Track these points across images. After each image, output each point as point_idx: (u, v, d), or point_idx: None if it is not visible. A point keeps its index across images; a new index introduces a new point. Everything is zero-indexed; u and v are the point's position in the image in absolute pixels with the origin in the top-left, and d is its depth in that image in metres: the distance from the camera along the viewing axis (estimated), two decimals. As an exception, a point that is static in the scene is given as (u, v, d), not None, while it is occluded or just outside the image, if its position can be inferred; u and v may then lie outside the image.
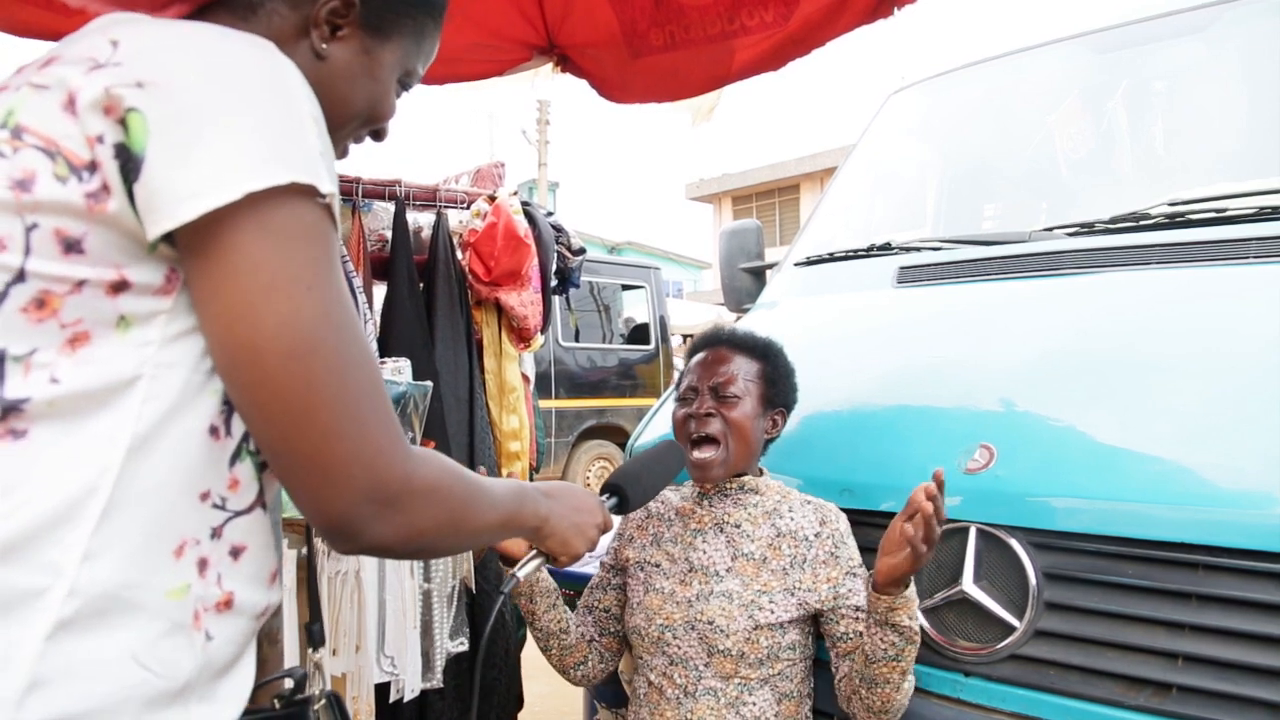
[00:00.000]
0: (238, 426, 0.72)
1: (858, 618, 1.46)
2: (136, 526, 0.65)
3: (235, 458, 0.72)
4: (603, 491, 1.31)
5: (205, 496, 0.70)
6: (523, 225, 2.59)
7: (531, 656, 2.89)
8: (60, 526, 0.62)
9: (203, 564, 0.70)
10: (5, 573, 0.61)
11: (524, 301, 2.61)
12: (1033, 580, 1.38)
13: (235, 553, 0.73)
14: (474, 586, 2.45)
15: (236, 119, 0.65)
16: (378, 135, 0.93)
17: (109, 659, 0.63)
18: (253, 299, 0.65)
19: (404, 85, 0.91)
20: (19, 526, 0.61)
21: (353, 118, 0.87)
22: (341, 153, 0.91)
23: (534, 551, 1.17)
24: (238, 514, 0.73)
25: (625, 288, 9.42)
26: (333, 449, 0.67)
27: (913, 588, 1.32)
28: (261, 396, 0.66)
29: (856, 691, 1.39)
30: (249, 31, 0.73)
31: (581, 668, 1.62)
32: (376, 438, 0.70)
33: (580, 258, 2.89)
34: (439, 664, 2.31)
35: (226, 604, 0.71)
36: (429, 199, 2.64)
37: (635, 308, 9.64)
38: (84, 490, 0.63)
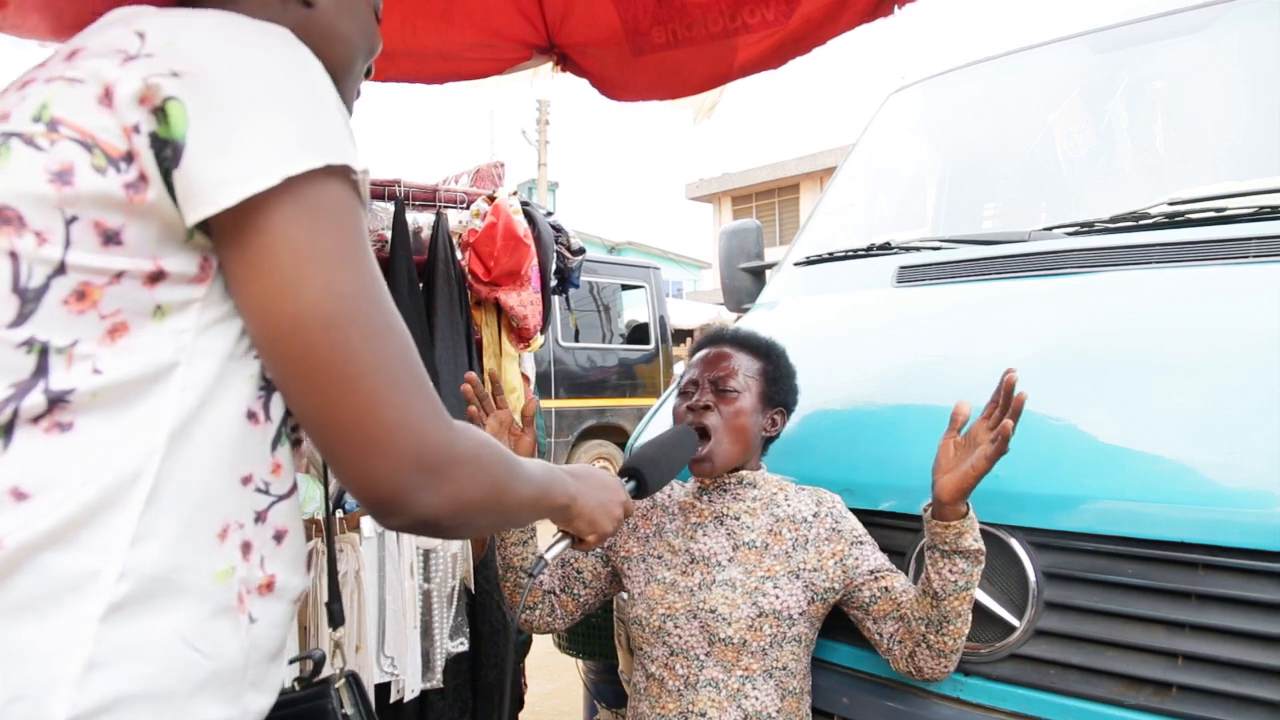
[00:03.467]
0: (276, 410, 0.73)
1: (877, 579, 1.48)
2: (181, 510, 0.67)
3: (276, 442, 0.74)
4: (620, 475, 1.31)
5: (247, 481, 0.72)
6: (522, 225, 2.59)
7: (532, 656, 2.89)
8: (108, 511, 0.64)
9: (246, 547, 0.71)
10: (60, 557, 0.62)
11: (524, 301, 2.62)
12: (1032, 580, 1.38)
13: (279, 536, 0.74)
14: (473, 587, 2.45)
15: (270, 106, 0.67)
16: (366, 72, 0.95)
17: (160, 640, 0.65)
18: (291, 274, 0.67)
19: (376, 14, 0.93)
20: (70, 512, 0.63)
21: (356, 54, 0.88)
22: (356, 95, 0.93)
23: (561, 533, 1.17)
24: (280, 498, 0.74)
25: (625, 287, 9.43)
26: (378, 417, 0.69)
27: (972, 510, 1.34)
28: (304, 369, 0.68)
29: (922, 641, 1.38)
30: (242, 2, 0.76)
31: (529, 612, 1.62)
32: (419, 405, 0.71)
33: (580, 257, 2.90)
34: (439, 664, 2.31)
35: (268, 586, 0.73)
36: (428, 199, 2.64)
37: (635, 308, 9.65)
38: (130, 475, 0.65)
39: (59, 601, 0.62)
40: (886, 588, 1.47)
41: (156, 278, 0.67)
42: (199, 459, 0.68)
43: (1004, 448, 1.28)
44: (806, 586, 1.48)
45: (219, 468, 0.69)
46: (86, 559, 0.63)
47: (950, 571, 1.33)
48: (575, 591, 1.64)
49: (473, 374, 1.50)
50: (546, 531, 1.24)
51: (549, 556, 1.19)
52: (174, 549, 0.66)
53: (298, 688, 1.09)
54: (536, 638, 2.72)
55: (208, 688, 0.67)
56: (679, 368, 9.65)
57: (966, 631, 1.36)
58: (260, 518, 0.73)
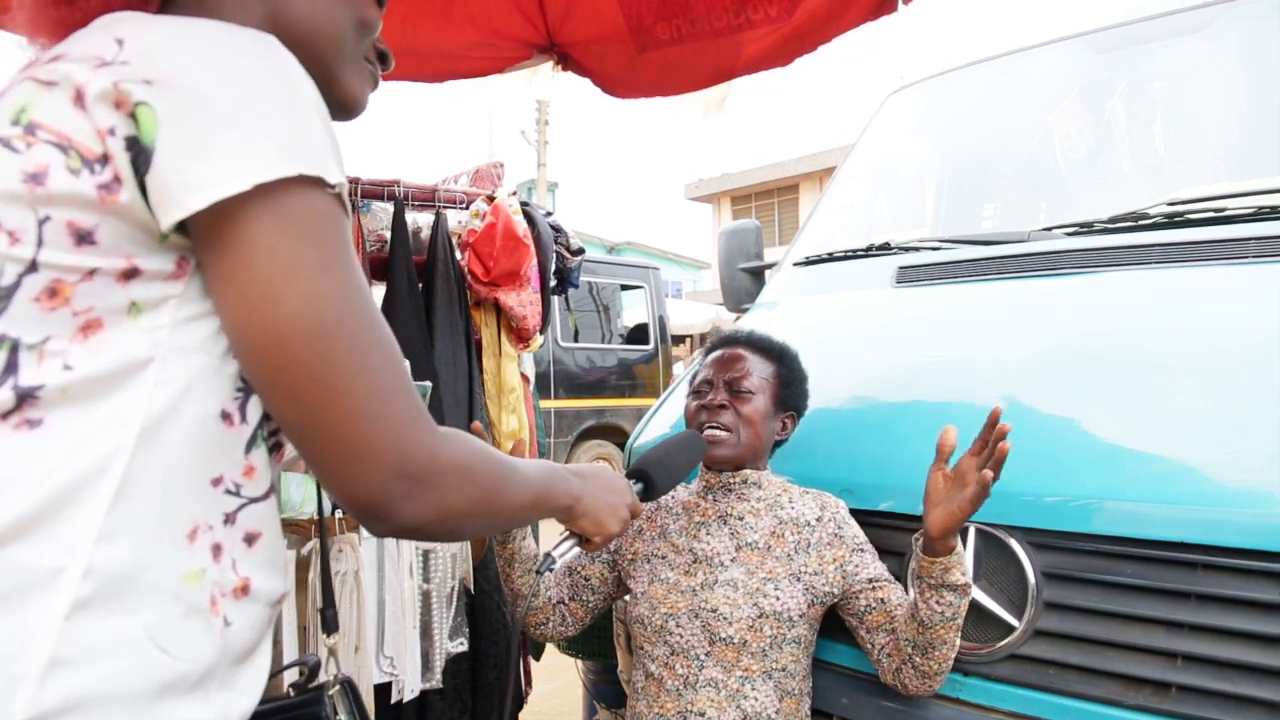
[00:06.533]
0: (253, 413, 0.73)
1: (875, 588, 1.48)
2: (150, 509, 0.66)
3: (251, 444, 0.73)
4: (629, 477, 1.31)
5: (217, 482, 0.71)
6: (522, 225, 2.59)
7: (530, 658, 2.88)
8: (72, 505, 0.63)
9: (217, 549, 0.70)
10: (22, 552, 0.62)
11: (523, 301, 2.61)
12: (1032, 580, 1.38)
13: (250, 539, 0.73)
14: (473, 587, 2.45)
15: (245, 113, 0.66)
16: (384, 59, 0.91)
17: (127, 640, 0.64)
18: (272, 283, 0.66)
19: None
20: (31, 506, 0.62)
21: (342, 31, 0.84)
22: (373, 84, 0.89)
23: (567, 533, 1.17)
24: (253, 501, 0.74)
25: (624, 288, 9.42)
26: (360, 427, 0.68)
27: (960, 544, 1.35)
28: (286, 379, 0.67)
29: (908, 660, 1.39)
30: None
31: (541, 627, 1.65)
32: (402, 414, 0.70)
33: (579, 258, 2.89)
34: (438, 664, 2.31)
35: (243, 590, 0.72)
36: (428, 199, 2.64)
37: (634, 308, 9.64)
38: (95, 470, 0.64)
39: (21, 597, 0.61)
40: (883, 599, 1.47)
41: (130, 275, 0.66)
42: (169, 457, 0.67)
43: (986, 494, 1.28)
44: (807, 589, 1.48)
45: (189, 467, 0.68)
46: (49, 555, 0.62)
47: (937, 603, 1.34)
48: (584, 599, 1.65)
49: (478, 424, 1.51)
50: (551, 533, 1.23)
51: (556, 554, 1.18)
52: (142, 548, 0.65)
53: (292, 693, 1.09)
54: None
55: (175, 689, 0.66)
56: (679, 368, 9.65)
57: (953, 656, 1.37)
58: (229, 520, 0.72)
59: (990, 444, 1.29)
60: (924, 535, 1.36)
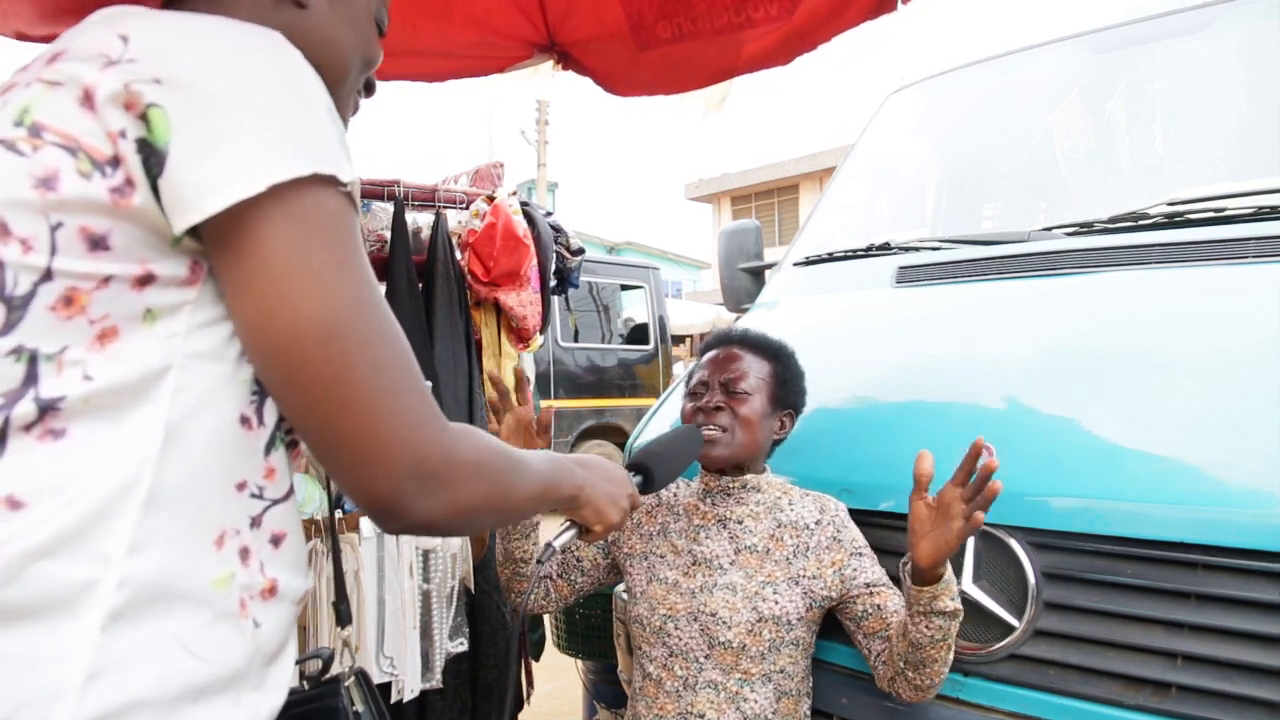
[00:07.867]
0: (270, 416, 0.73)
1: (871, 593, 1.48)
2: (178, 517, 0.66)
3: (270, 446, 0.73)
4: (627, 470, 1.31)
5: (242, 486, 0.71)
6: (522, 225, 2.59)
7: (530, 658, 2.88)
8: (107, 519, 0.63)
9: (244, 553, 0.71)
10: (58, 567, 0.62)
11: (523, 301, 2.61)
12: (1032, 580, 1.38)
13: (276, 540, 0.74)
14: (473, 587, 2.45)
15: (257, 113, 0.65)
16: (369, 87, 0.93)
17: (160, 648, 0.64)
18: (287, 284, 0.66)
19: (379, 26, 0.90)
20: (68, 521, 0.62)
21: (350, 64, 0.86)
22: (354, 109, 0.91)
23: (568, 522, 1.17)
24: (275, 502, 0.74)
25: (624, 288, 9.42)
26: (374, 428, 0.68)
27: (950, 569, 1.33)
28: (301, 381, 0.67)
29: (901, 674, 1.39)
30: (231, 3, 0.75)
31: (523, 596, 1.63)
32: (416, 414, 0.71)
33: (579, 258, 2.89)
34: (438, 664, 2.31)
35: (271, 591, 0.72)
36: (428, 199, 2.64)
37: (634, 308, 9.64)
38: (126, 482, 0.64)
39: (59, 610, 0.61)
40: (879, 605, 1.47)
41: (145, 281, 0.66)
42: (192, 465, 0.67)
43: (975, 531, 1.27)
44: (805, 593, 1.48)
45: (213, 474, 0.68)
46: (85, 567, 0.62)
47: (927, 627, 1.33)
48: (572, 578, 1.66)
49: (494, 370, 1.51)
50: (551, 527, 1.24)
51: (557, 544, 1.18)
52: (171, 556, 0.65)
53: (307, 687, 1.09)
54: (547, 639, 2.72)
55: (209, 693, 0.67)
56: (679, 368, 9.65)
57: (946, 672, 1.37)
58: (255, 523, 0.72)
59: (978, 481, 1.26)
60: (912, 564, 1.34)
